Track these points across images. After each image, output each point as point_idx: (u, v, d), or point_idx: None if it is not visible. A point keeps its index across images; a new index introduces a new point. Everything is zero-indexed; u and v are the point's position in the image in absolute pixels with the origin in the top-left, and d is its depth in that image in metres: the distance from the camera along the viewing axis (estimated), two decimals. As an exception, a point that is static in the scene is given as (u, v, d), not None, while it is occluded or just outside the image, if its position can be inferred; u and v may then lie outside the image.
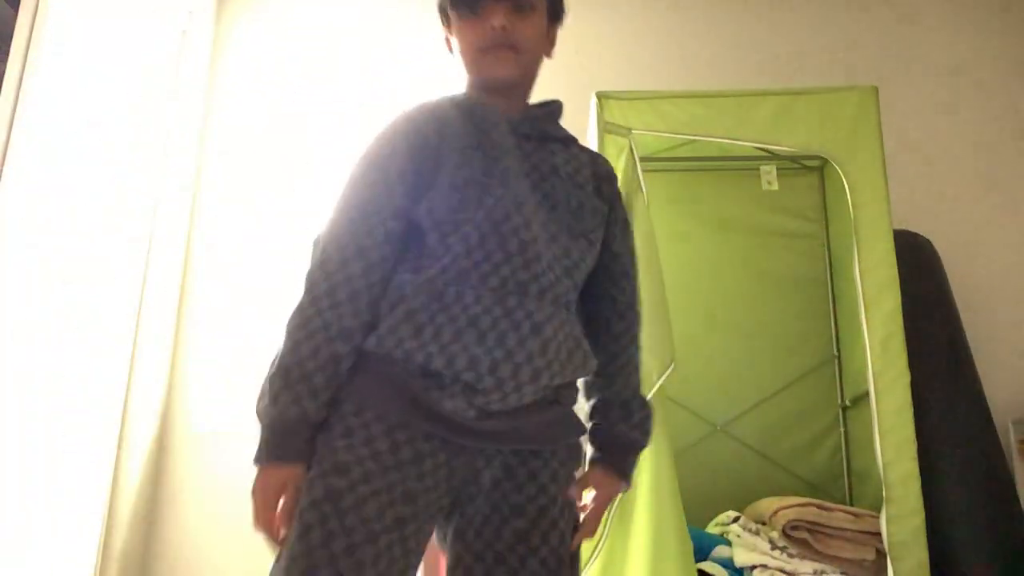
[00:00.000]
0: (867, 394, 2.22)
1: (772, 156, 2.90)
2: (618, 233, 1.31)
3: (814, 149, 2.45)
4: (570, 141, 1.30)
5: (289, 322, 1.08)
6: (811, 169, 3.02)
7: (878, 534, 2.15)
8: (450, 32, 1.27)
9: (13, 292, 2.31)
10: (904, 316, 2.22)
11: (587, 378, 1.28)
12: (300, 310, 1.08)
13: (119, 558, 2.71)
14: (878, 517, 2.14)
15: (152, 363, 2.93)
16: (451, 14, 1.24)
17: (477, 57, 1.21)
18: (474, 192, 1.12)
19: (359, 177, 1.15)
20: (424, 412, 1.06)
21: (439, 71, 3.39)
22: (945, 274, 2.75)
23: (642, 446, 1.26)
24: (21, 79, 2.41)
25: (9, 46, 2.45)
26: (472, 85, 1.25)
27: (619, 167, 2.30)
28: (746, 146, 2.58)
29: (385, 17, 3.47)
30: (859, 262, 2.27)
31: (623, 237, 1.32)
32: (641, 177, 2.31)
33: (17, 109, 2.38)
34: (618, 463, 1.25)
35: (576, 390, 1.24)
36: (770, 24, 3.44)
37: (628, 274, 1.32)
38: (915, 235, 2.78)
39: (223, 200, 3.28)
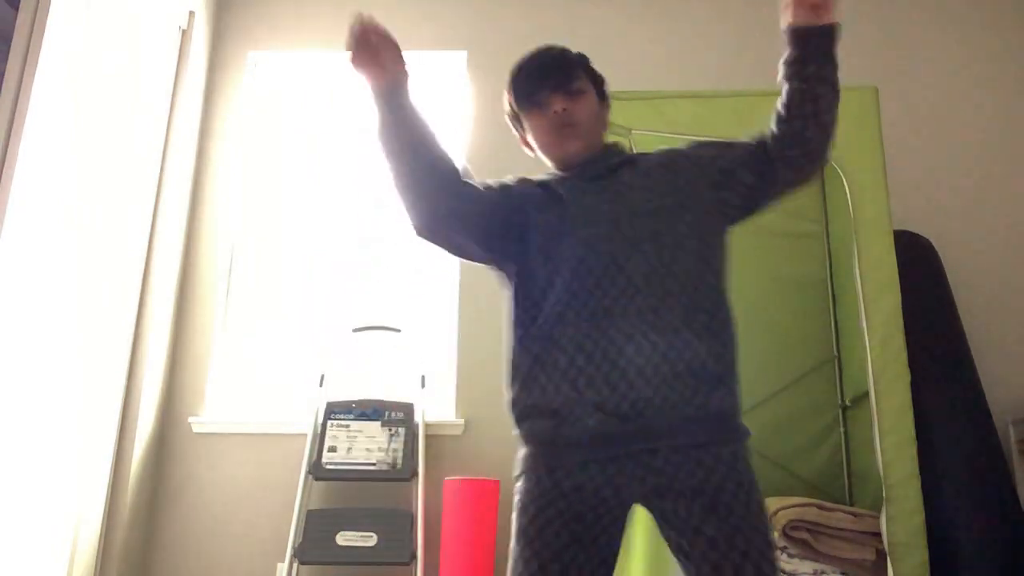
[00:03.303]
0: (867, 394, 2.22)
1: (772, 156, 2.89)
2: (717, 164, 1.50)
3: (814, 149, 2.45)
4: (637, 158, 1.46)
5: None
6: (811, 169, 3.02)
7: (878, 534, 2.15)
8: (523, 132, 1.47)
9: (13, 290, 2.31)
10: (904, 316, 2.22)
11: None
12: None
13: (119, 558, 2.71)
14: (878, 517, 2.14)
15: (152, 362, 2.93)
16: (520, 113, 1.44)
17: (549, 140, 1.42)
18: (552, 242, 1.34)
19: None
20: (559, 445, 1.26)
21: (440, 72, 3.39)
22: (945, 274, 2.75)
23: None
24: (21, 79, 2.41)
25: (9, 46, 2.45)
26: (553, 166, 1.46)
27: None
28: (746, 146, 2.57)
29: (384, 17, 3.46)
30: (859, 262, 2.27)
31: (720, 155, 1.52)
32: (641, 177, 2.30)
33: (17, 109, 2.38)
34: None
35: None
36: (770, 24, 3.43)
37: (744, 154, 1.52)
38: (915, 235, 2.77)
39: (223, 199, 3.27)
